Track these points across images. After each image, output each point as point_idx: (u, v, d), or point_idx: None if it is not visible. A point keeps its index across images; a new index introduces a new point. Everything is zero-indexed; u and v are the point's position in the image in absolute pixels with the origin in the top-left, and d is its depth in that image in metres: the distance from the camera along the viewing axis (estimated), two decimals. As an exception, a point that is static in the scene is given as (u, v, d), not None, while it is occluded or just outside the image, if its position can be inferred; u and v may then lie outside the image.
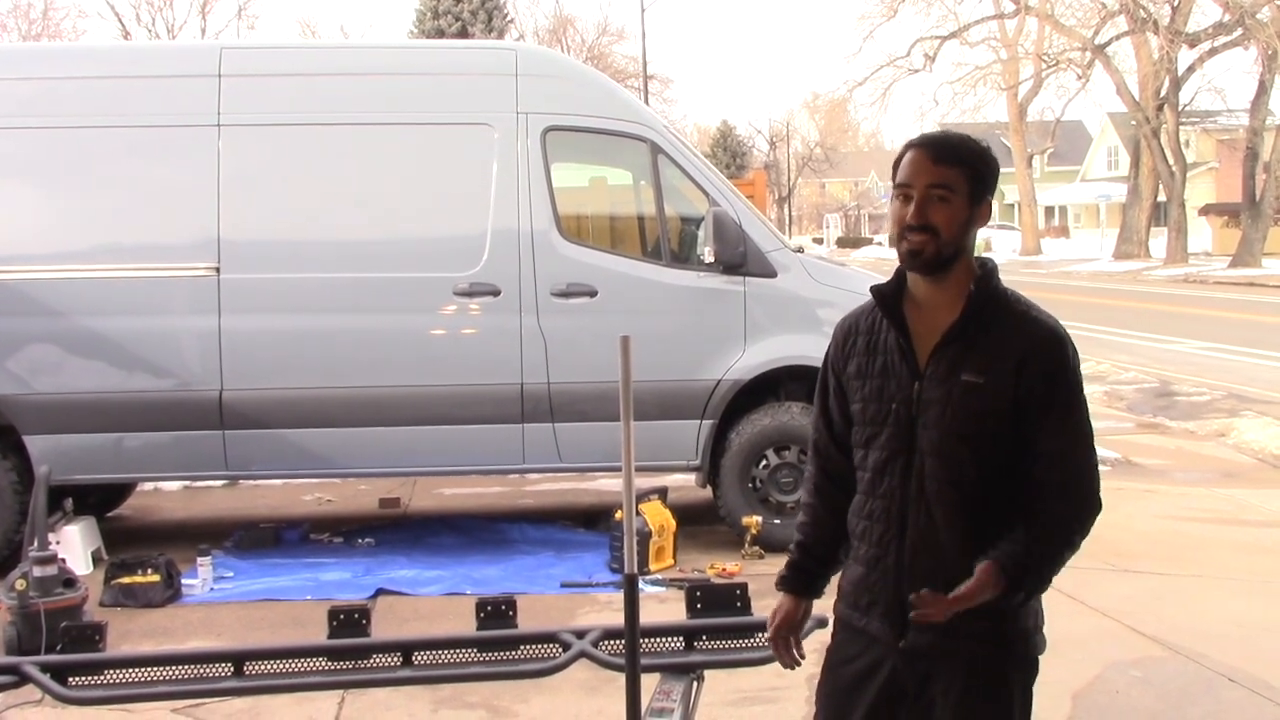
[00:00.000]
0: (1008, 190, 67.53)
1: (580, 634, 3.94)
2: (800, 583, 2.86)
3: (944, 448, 2.55)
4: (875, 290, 2.68)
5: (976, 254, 2.66)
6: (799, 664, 2.88)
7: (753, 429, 7.17)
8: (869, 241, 66.43)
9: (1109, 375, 15.14)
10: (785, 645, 2.86)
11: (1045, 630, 2.65)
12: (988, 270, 2.62)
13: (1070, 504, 2.52)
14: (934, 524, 2.56)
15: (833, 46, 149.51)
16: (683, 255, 7.38)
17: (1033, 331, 2.56)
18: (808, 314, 7.15)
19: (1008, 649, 2.56)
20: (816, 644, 2.90)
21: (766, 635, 2.89)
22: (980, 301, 2.57)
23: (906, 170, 2.57)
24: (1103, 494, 2.57)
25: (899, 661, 2.61)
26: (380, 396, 6.99)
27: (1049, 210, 69.39)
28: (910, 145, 2.61)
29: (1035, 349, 2.53)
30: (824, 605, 2.90)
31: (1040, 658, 2.64)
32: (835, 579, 2.85)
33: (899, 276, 2.67)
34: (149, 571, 6.38)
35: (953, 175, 2.55)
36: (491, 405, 7.02)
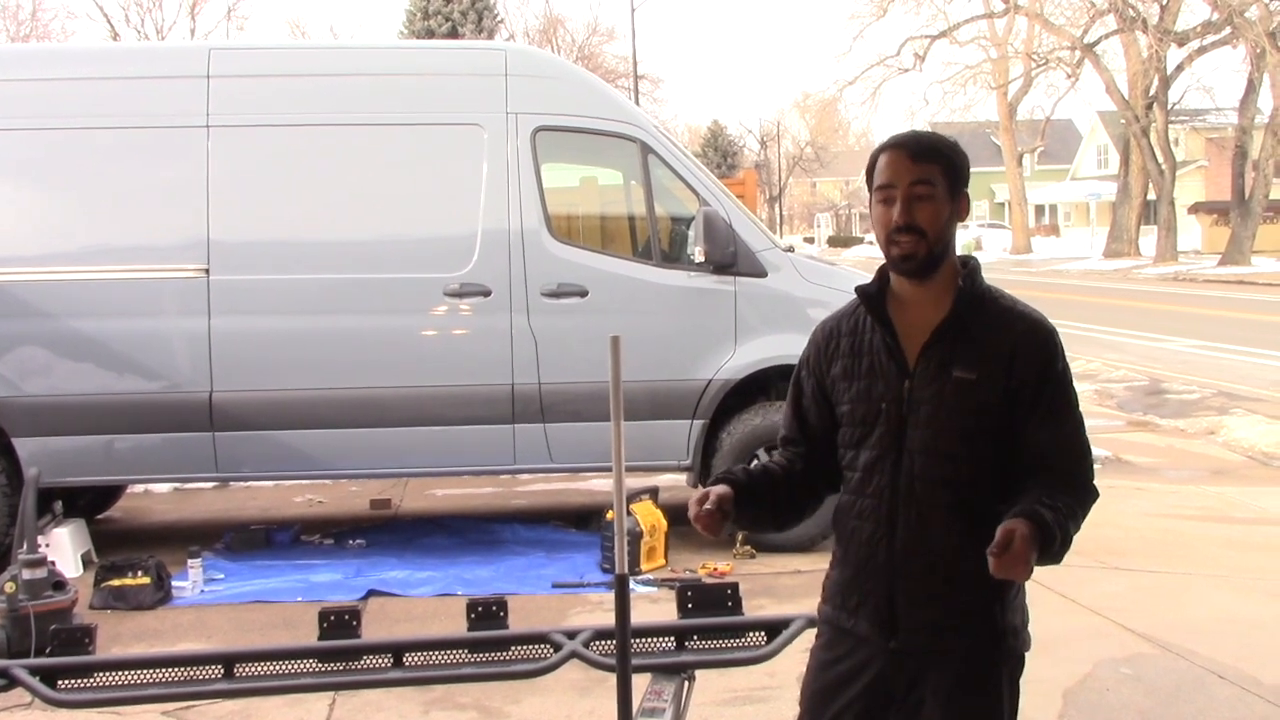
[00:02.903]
0: (998, 189, 67.82)
1: (571, 634, 3.94)
2: (739, 485, 2.68)
3: (935, 446, 2.55)
4: (860, 291, 2.68)
5: (962, 252, 2.67)
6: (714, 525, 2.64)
7: (744, 428, 7.17)
8: (860, 241, 66.50)
9: (1099, 373, 15.17)
10: (697, 509, 2.60)
11: (1036, 628, 2.65)
12: (971, 268, 2.63)
13: (1066, 485, 2.51)
14: (925, 523, 2.55)
15: (823, 46, 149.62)
16: (673, 255, 7.38)
17: (1020, 325, 2.57)
18: (798, 313, 7.14)
19: (997, 644, 2.56)
20: (804, 643, 2.89)
21: (691, 511, 2.61)
22: (968, 298, 2.58)
23: (887, 171, 2.58)
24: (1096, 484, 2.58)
25: (887, 662, 2.60)
26: (371, 397, 6.99)
27: (1039, 209, 69.51)
28: (885, 147, 2.61)
29: (1025, 341, 2.55)
30: (815, 605, 2.90)
31: (1029, 655, 2.64)
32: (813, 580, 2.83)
33: (881, 276, 2.67)
34: (139, 574, 6.36)
35: (933, 171, 2.56)
36: (482, 406, 7.01)
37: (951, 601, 2.55)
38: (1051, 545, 2.39)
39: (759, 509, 2.77)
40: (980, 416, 2.53)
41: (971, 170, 2.71)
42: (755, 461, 2.87)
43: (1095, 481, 2.58)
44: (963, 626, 2.55)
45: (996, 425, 2.53)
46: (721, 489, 2.66)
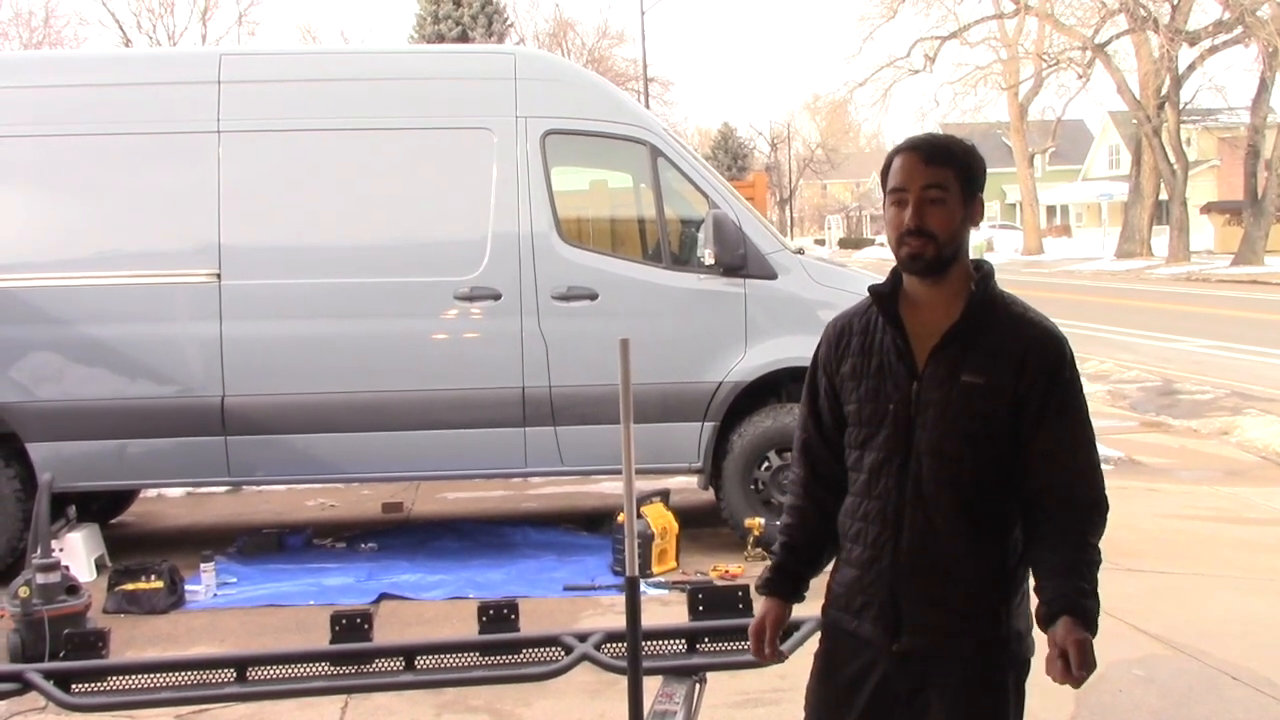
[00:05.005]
0: (1009, 190, 67.61)
1: (583, 637, 3.95)
2: (786, 586, 2.80)
3: (942, 449, 2.54)
4: (873, 290, 2.67)
5: (974, 256, 2.67)
6: (785, 659, 2.88)
7: (754, 431, 7.18)
8: (870, 242, 66.36)
9: (1112, 374, 15.13)
10: (771, 651, 2.80)
11: (1038, 633, 2.63)
12: (985, 273, 2.63)
13: (1077, 506, 2.51)
14: (931, 525, 2.55)
15: (833, 48, 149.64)
16: (683, 258, 7.38)
17: (1031, 333, 2.56)
18: (808, 315, 7.14)
19: (1002, 648, 2.56)
20: (812, 646, 2.89)
21: (757, 646, 2.79)
22: (980, 303, 2.58)
23: (900, 174, 2.57)
24: (1107, 493, 2.57)
25: (891, 665, 2.60)
26: (382, 401, 7.00)
27: (1051, 209, 69.36)
28: (900, 149, 2.61)
29: (1034, 349, 2.54)
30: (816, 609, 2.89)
31: (1038, 657, 2.63)
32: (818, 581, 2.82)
33: (895, 277, 2.67)
34: (152, 578, 6.39)
35: (946, 175, 2.55)
36: (493, 409, 7.02)
37: (955, 604, 2.55)
38: (1095, 626, 2.44)
39: (810, 573, 2.82)
40: (987, 421, 2.53)
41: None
42: (785, 518, 2.88)
43: (1107, 486, 2.56)
44: (966, 630, 2.55)
45: (1003, 431, 2.53)
46: (761, 613, 2.79)
